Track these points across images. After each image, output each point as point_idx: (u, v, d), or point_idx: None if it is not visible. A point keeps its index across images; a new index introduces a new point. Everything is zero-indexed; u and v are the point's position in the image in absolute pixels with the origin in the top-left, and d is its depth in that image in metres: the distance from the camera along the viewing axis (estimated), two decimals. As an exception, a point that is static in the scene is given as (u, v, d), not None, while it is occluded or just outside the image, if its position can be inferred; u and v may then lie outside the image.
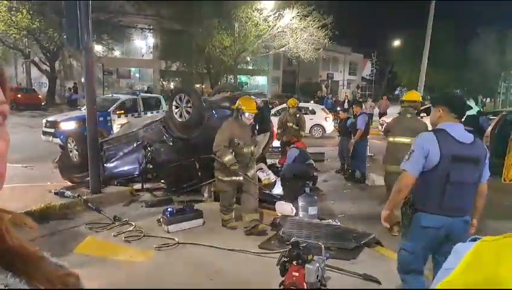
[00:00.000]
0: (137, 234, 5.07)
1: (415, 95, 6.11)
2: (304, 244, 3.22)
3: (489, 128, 8.62)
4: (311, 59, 26.00)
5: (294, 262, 3.07)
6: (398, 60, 39.97)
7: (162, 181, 7.51)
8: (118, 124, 11.37)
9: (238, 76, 30.39)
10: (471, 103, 20.65)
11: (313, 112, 17.20)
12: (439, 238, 2.80)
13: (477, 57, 30.65)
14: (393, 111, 24.27)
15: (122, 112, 11.97)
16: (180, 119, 6.92)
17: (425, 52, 22.61)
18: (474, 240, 0.79)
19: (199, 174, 7.07)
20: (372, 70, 54.17)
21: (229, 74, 27.19)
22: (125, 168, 7.56)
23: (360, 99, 30.08)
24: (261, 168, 7.50)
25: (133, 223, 5.40)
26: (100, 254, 4.58)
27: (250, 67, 33.98)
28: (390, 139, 5.74)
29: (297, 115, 9.69)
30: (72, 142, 7.66)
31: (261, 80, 40.79)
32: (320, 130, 16.92)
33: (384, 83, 49.41)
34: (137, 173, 7.44)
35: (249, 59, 28.63)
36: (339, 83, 47.94)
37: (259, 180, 7.24)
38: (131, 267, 4.25)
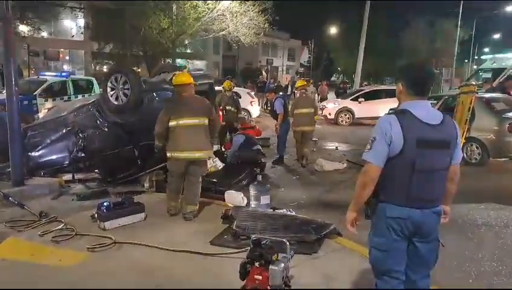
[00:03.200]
0: (67, 233, 4.42)
1: (302, 82, 9.79)
2: (265, 241, 2.82)
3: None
4: (251, 44, 25.60)
5: (256, 263, 2.67)
6: (334, 47, 40.79)
7: (96, 171, 6.81)
8: (45, 108, 10.33)
9: (176, 60, 29.35)
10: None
11: (239, 96, 16.92)
12: (408, 229, 2.47)
13: (409, 46, 32.01)
14: (332, 96, 24.74)
15: (50, 95, 10.90)
16: (116, 102, 6.26)
17: (361, 40, 23.10)
18: None
19: (138, 162, 6.48)
20: (309, 57, 54.91)
21: (167, 57, 26.11)
22: (53, 157, 6.75)
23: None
24: (207, 155, 7.01)
25: (63, 220, 4.71)
26: (23, 258, 3.92)
27: (189, 51, 32.97)
28: (296, 111, 8.67)
29: (235, 97, 9.50)
30: (-11, 128, 6.71)
31: (199, 64, 39.81)
32: (246, 114, 16.69)
33: (321, 69, 50.34)
34: (67, 162, 6.67)
35: (187, 42, 27.69)
36: (278, 69, 48.15)
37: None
38: (61, 272, 3.65)
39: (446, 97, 9.18)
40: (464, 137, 7.59)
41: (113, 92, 6.29)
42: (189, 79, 5.12)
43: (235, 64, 37.82)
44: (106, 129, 6.46)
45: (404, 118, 2.38)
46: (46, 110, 10.42)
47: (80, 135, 6.48)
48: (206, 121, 5.09)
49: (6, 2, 5.20)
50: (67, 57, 32.16)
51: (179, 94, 5.13)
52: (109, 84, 6.31)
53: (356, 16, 26.24)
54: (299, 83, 9.79)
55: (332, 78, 52.36)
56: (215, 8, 23.34)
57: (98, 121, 6.48)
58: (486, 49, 57.40)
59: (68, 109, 7.12)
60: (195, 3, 22.59)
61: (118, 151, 6.40)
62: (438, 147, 2.40)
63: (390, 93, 17.02)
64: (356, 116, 17.00)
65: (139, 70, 28.05)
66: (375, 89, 19.24)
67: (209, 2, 23.00)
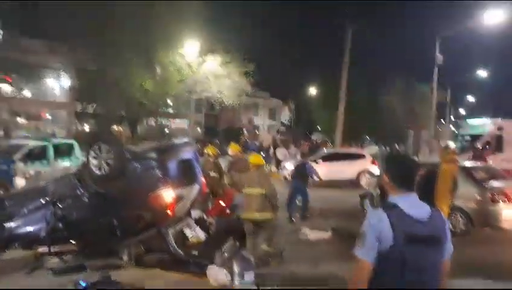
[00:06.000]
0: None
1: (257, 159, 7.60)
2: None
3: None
4: (234, 105, 26.12)
5: None
6: (314, 106, 41.85)
7: (72, 242, 6.57)
8: (25, 173, 10.14)
9: (158, 119, 29.59)
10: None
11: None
12: None
13: (388, 106, 33.14)
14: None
15: (29, 159, 10.73)
16: (98, 172, 6.18)
17: (341, 101, 23.87)
18: None
19: (118, 233, 6.30)
20: (290, 116, 56.06)
21: (149, 117, 26.33)
22: (30, 227, 6.51)
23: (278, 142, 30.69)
24: (188, 224, 6.88)
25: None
26: None
27: (171, 111, 33.37)
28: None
29: (218, 163, 9.45)
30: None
31: (181, 124, 40.16)
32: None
33: (302, 128, 51.25)
34: (43, 233, 6.44)
35: (170, 103, 28.10)
36: (259, 128, 48.85)
37: (187, 238, 6.65)
38: None
39: (428, 166, 9.35)
40: (448, 206, 7.68)
41: (96, 161, 6.23)
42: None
43: (217, 123, 38.28)
44: (86, 199, 6.33)
45: (393, 213, 2.38)
46: (24, 176, 10.25)
47: (58, 204, 6.33)
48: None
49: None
50: (48, 116, 32.08)
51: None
52: (92, 153, 6.26)
53: (335, 77, 27.26)
54: (210, 151, 9.26)
55: (313, 137, 53.26)
56: (198, 70, 23.94)
57: (78, 191, 6.36)
58: (462, 111, 60.22)
59: (48, 178, 7.00)
60: (179, 66, 23.15)
61: (97, 222, 6.25)
62: (429, 244, 2.39)
63: (348, 156, 17.32)
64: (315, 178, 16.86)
65: (121, 129, 28.17)
66: (334, 151, 19.64)
67: (193, 64, 23.60)
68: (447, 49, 23.60)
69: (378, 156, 22.77)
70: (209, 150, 9.35)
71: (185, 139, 7.98)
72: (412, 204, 2.45)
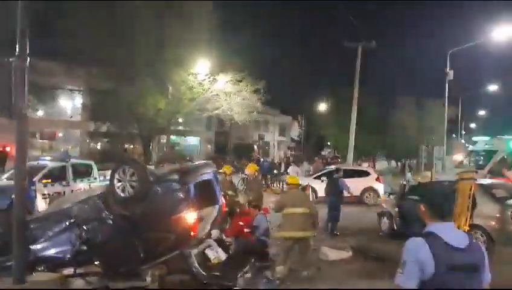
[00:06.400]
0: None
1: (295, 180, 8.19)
2: None
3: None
4: (244, 122, 26.30)
5: None
6: (324, 123, 41.89)
7: (96, 263, 6.67)
8: (45, 193, 10.32)
9: (170, 137, 29.86)
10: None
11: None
12: None
13: (399, 123, 33.11)
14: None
15: (49, 180, 10.91)
16: (123, 195, 6.31)
17: (353, 118, 23.91)
18: None
19: (141, 255, 6.40)
20: (299, 132, 56.18)
21: (162, 135, 26.58)
22: (55, 250, 6.63)
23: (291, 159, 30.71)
24: (210, 245, 6.96)
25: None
26: None
27: (183, 128, 33.68)
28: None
29: (233, 182, 9.60)
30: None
31: (192, 140, 40.43)
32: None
33: (312, 144, 51.26)
34: (68, 255, 6.55)
35: (181, 121, 28.35)
36: (269, 144, 48.97)
37: (209, 259, 6.72)
38: None
39: (446, 183, 9.35)
40: (467, 224, 7.65)
41: (120, 183, 6.36)
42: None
43: (228, 140, 38.47)
44: (111, 222, 6.44)
45: (432, 241, 2.45)
46: (45, 196, 10.42)
47: (84, 227, 6.45)
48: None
49: (25, 102, 5.42)
50: (60, 134, 32.50)
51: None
52: (116, 175, 6.40)
53: (346, 93, 27.36)
54: (226, 169, 9.58)
55: (323, 153, 53.22)
56: (209, 89, 24.21)
57: (103, 214, 6.48)
58: (473, 125, 59.99)
59: (72, 200, 7.13)
60: (191, 85, 23.44)
61: (121, 244, 6.35)
62: (468, 272, 2.44)
63: (353, 173, 17.25)
64: (319, 195, 16.66)
65: (133, 147, 28.47)
66: (339, 168, 19.50)
67: (204, 83, 23.88)
68: (456, 64, 23.72)
69: (386, 172, 22.75)
70: (226, 169, 9.45)
71: (204, 161, 8.07)
72: (450, 232, 2.52)
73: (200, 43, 22.33)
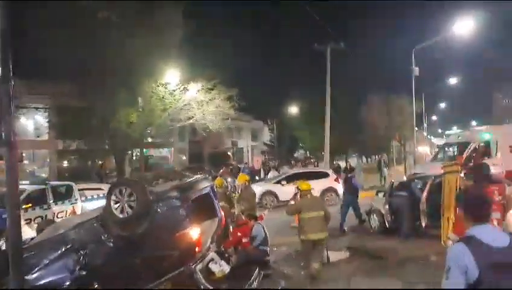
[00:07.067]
0: None
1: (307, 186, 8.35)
2: None
3: (424, 195, 9.08)
4: (219, 129, 26.17)
5: None
6: (295, 124, 42.25)
7: (96, 287, 6.44)
8: (25, 219, 9.88)
9: (143, 150, 29.36)
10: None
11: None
12: None
13: (369, 121, 33.81)
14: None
15: (29, 205, 10.47)
16: (121, 216, 6.12)
17: (326, 119, 24.25)
18: None
19: (141, 275, 6.23)
20: (271, 136, 56.41)
21: (135, 148, 26.07)
22: (52, 278, 6.36)
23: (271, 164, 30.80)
24: (213, 259, 6.85)
25: None
26: None
27: (156, 140, 33.12)
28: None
29: (227, 193, 9.56)
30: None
31: (164, 152, 39.83)
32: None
33: (285, 147, 51.55)
34: (67, 283, 6.30)
35: (154, 133, 27.86)
36: (243, 150, 48.90)
37: (212, 273, 6.61)
38: None
39: (432, 178, 9.57)
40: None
41: (118, 205, 6.17)
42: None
43: (201, 149, 38.14)
44: (110, 244, 6.24)
45: (473, 245, 2.52)
46: (26, 221, 9.99)
47: (81, 251, 6.22)
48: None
49: (14, 130, 5.17)
50: (24, 154, 31.21)
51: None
52: (113, 197, 6.21)
53: (316, 94, 27.73)
54: (218, 182, 9.70)
55: (296, 155, 53.64)
56: (181, 98, 23.93)
57: (102, 236, 6.27)
58: (434, 117, 62.22)
59: (67, 225, 6.87)
60: (161, 95, 23.10)
61: (122, 266, 6.17)
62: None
63: (312, 175, 17.40)
64: (280, 199, 16.86)
65: (102, 163, 27.78)
66: (297, 172, 19.87)
67: (175, 93, 23.58)
68: (419, 60, 24.42)
69: (356, 168, 23.20)
70: (217, 182, 9.43)
71: (201, 176, 7.97)
72: (489, 234, 2.59)
73: (169, 52, 22.09)
